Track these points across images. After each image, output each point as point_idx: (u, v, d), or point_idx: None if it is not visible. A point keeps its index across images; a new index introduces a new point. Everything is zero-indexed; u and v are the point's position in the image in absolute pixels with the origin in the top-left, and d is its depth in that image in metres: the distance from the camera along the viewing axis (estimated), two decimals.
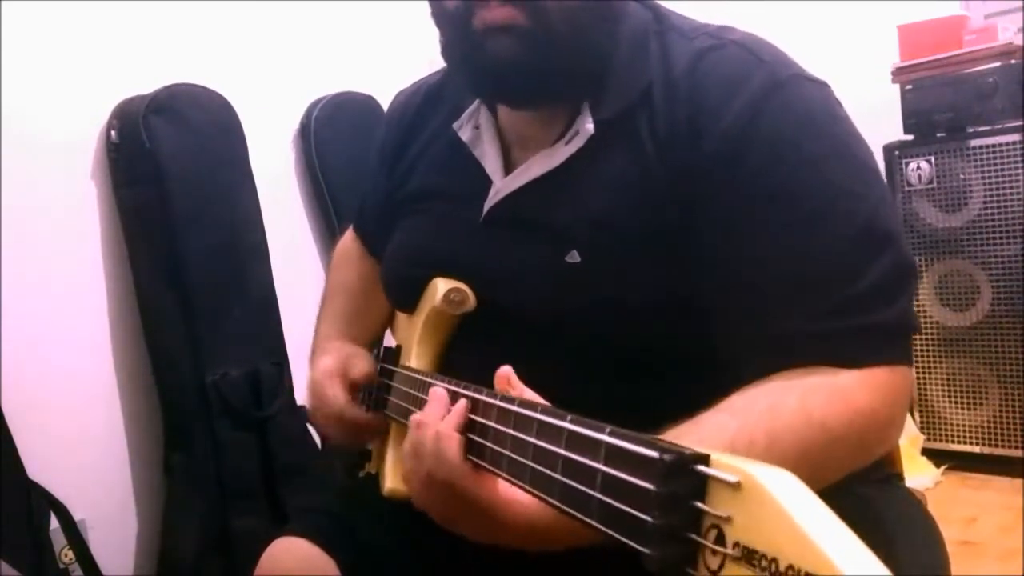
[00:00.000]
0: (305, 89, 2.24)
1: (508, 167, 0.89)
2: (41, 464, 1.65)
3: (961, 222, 2.44)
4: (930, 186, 2.48)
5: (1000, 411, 2.43)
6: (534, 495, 0.55)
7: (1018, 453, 2.39)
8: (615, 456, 0.45)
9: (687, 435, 0.62)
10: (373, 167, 1.08)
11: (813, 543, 0.30)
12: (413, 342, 0.93)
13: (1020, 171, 2.33)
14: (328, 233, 2.23)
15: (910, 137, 2.55)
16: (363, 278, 1.16)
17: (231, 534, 1.80)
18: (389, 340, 1.14)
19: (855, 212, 0.72)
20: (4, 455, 1.58)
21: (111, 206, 1.86)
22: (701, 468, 0.37)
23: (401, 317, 1.09)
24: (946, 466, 2.50)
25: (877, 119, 2.44)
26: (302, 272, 2.16)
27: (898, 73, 2.57)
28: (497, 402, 0.62)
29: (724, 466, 0.36)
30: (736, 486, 0.34)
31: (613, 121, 0.81)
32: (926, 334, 2.53)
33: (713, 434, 0.63)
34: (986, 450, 2.46)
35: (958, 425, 2.51)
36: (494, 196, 0.88)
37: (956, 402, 2.51)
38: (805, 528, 0.30)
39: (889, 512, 0.86)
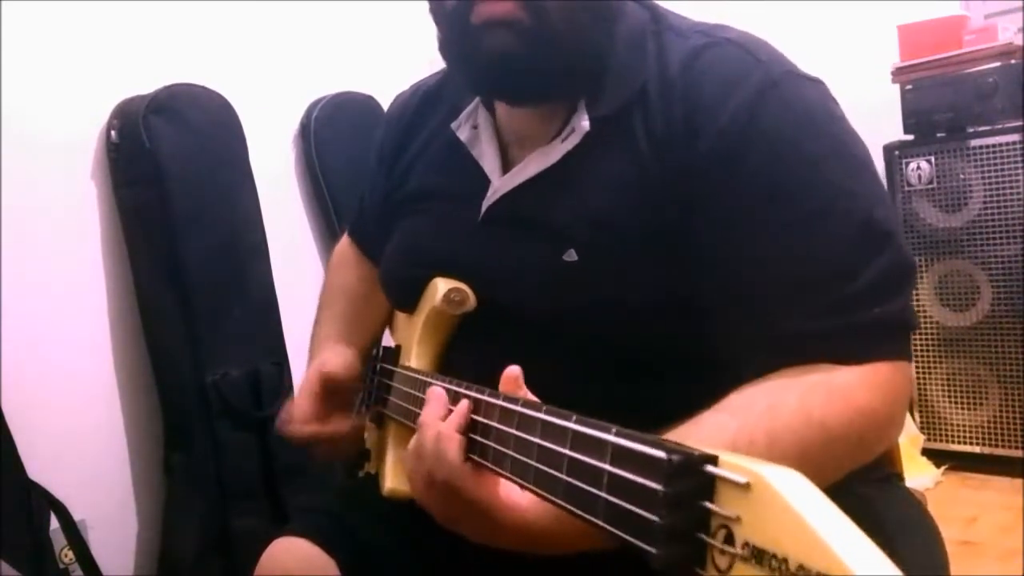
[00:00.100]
0: (305, 89, 2.24)
1: (506, 166, 0.90)
2: (41, 464, 1.65)
3: (961, 222, 2.44)
4: (930, 186, 2.48)
5: (1000, 411, 2.43)
6: (538, 495, 0.55)
7: (1018, 453, 2.40)
8: (622, 456, 0.45)
9: (687, 436, 0.62)
10: (372, 168, 1.08)
11: (824, 543, 0.30)
12: (413, 342, 0.93)
13: (1020, 171, 2.33)
14: (328, 233, 2.23)
15: (910, 137, 2.56)
16: (362, 280, 1.16)
17: (231, 534, 1.79)
18: (388, 340, 1.14)
19: (854, 211, 0.72)
20: (4, 455, 1.58)
21: (111, 206, 1.86)
22: (710, 468, 0.37)
23: (401, 317, 1.09)
24: (946, 466, 2.51)
25: (877, 119, 2.44)
26: (302, 272, 2.16)
27: (898, 73, 2.57)
28: (500, 402, 0.62)
29: (733, 466, 0.36)
30: (745, 487, 0.34)
31: (609, 119, 0.81)
32: (926, 334, 2.53)
33: (714, 434, 0.63)
34: (986, 450, 2.47)
35: (958, 425, 2.51)
36: (492, 195, 0.88)
37: (956, 402, 2.51)
38: (816, 528, 0.30)
39: (889, 512, 0.86)
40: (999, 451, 2.44)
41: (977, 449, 2.49)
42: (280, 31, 2.18)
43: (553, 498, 0.52)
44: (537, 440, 0.55)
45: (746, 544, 0.33)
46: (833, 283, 0.71)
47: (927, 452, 2.54)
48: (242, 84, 2.04)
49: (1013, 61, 2.41)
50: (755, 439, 0.62)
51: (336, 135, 2.22)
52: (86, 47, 1.83)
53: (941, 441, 2.55)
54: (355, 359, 1.07)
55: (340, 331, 1.12)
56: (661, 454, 0.40)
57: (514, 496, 0.63)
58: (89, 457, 1.79)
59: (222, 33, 2.06)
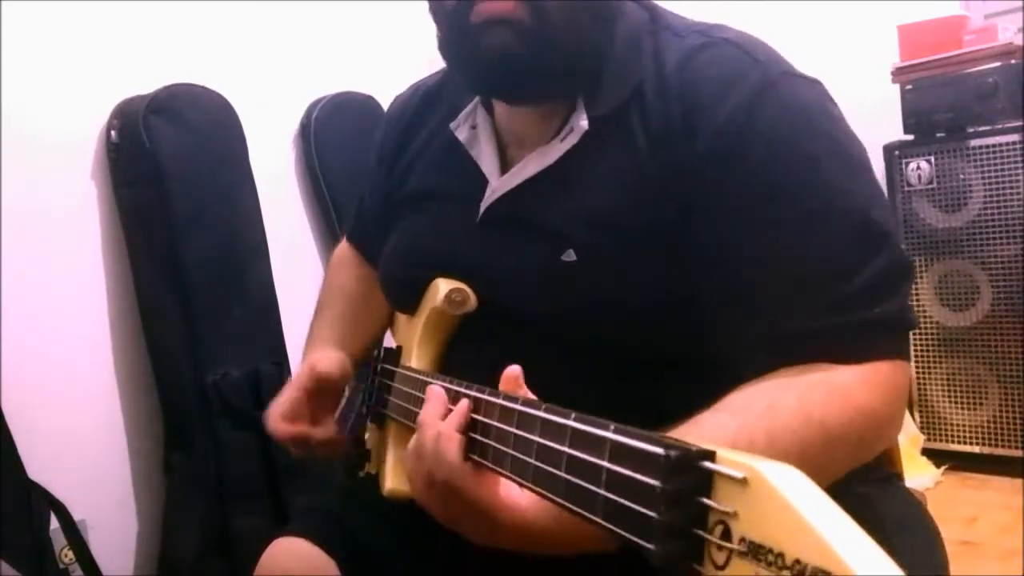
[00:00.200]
0: (305, 89, 2.24)
1: (505, 167, 0.90)
2: (41, 464, 1.65)
3: (961, 222, 2.44)
4: (930, 186, 2.48)
5: (1000, 411, 2.43)
6: (538, 493, 0.55)
7: (1018, 453, 2.40)
8: (620, 453, 0.45)
9: (686, 435, 0.62)
10: (371, 169, 1.08)
11: (821, 538, 0.30)
12: (414, 343, 0.93)
13: (1020, 171, 2.33)
14: (328, 233, 2.23)
15: (910, 137, 2.56)
16: (361, 281, 1.16)
17: (231, 534, 1.79)
18: (389, 341, 1.14)
19: (852, 210, 0.72)
20: (4, 455, 1.58)
21: (111, 206, 1.86)
22: (707, 464, 0.37)
23: (401, 318, 1.09)
24: (946, 466, 2.51)
25: (877, 119, 2.45)
26: (302, 272, 2.16)
27: (898, 73, 2.57)
28: (500, 401, 0.62)
29: (730, 462, 0.36)
30: (743, 482, 0.34)
31: (608, 118, 0.81)
32: (926, 334, 2.53)
33: (713, 434, 0.63)
34: (986, 450, 2.47)
35: (958, 425, 2.51)
36: (491, 195, 0.88)
37: (956, 402, 2.51)
38: (813, 523, 0.30)
39: (889, 512, 0.86)
40: (999, 451, 2.44)
41: (977, 449, 2.48)
42: (280, 31, 2.18)
43: (553, 496, 0.52)
44: (537, 438, 0.55)
45: (743, 539, 0.33)
46: (833, 282, 0.71)
47: (927, 452, 2.54)
48: (242, 84, 2.04)
49: (1013, 61, 2.41)
50: (755, 439, 0.62)
51: (336, 135, 2.22)
52: (86, 47, 1.83)
53: (941, 441, 2.55)
54: (348, 363, 1.07)
55: (337, 332, 1.12)
56: (659, 450, 0.40)
57: (514, 496, 0.63)
58: (89, 457, 1.79)
59: (222, 33, 2.06)
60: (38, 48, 1.75)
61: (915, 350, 2.55)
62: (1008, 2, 2.63)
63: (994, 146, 2.38)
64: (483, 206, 0.88)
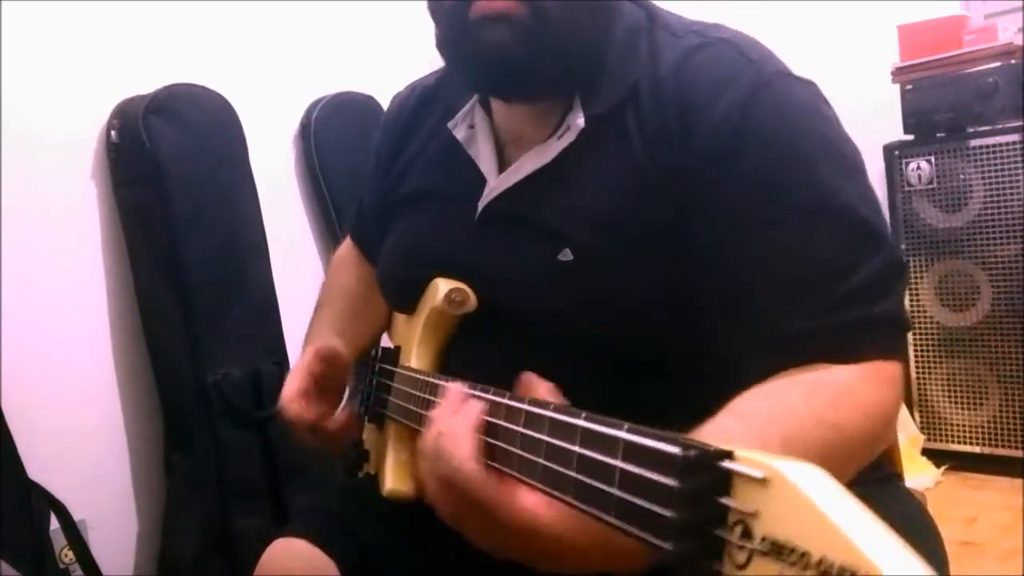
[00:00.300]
0: (305, 89, 2.24)
1: (502, 166, 0.89)
2: (41, 464, 1.65)
3: (961, 222, 2.44)
4: (930, 186, 2.48)
5: (1000, 411, 2.43)
6: (546, 492, 0.54)
7: (1018, 453, 2.40)
8: (634, 453, 0.44)
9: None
10: (370, 169, 1.08)
11: (846, 536, 0.29)
12: (413, 343, 0.93)
13: (1020, 171, 2.34)
14: (328, 233, 2.22)
15: (910, 137, 2.56)
16: (362, 281, 1.16)
17: (231, 534, 1.79)
18: (385, 342, 1.14)
19: (847, 210, 0.72)
20: (4, 455, 1.57)
21: (111, 206, 1.85)
22: (726, 464, 0.37)
23: (399, 318, 1.09)
24: (946, 466, 2.51)
25: (877, 119, 2.45)
26: (302, 272, 2.16)
27: (898, 73, 2.57)
28: (506, 400, 0.61)
29: (750, 461, 0.36)
30: (763, 481, 0.34)
31: (604, 116, 0.81)
32: (926, 334, 2.53)
33: (723, 439, 0.62)
34: (986, 450, 2.47)
35: (958, 425, 2.51)
36: (488, 194, 0.88)
37: (956, 402, 2.51)
38: (838, 522, 0.30)
39: (889, 512, 0.86)
40: (999, 451, 2.44)
41: (977, 449, 2.49)
42: (280, 31, 2.18)
43: (562, 495, 0.52)
44: (545, 438, 0.55)
45: (764, 538, 0.33)
46: (832, 282, 0.71)
47: (927, 452, 2.54)
48: (242, 84, 2.03)
49: (1013, 61, 2.41)
50: (768, 443, 0.62)
51: (336, 135, 2.21)
52: (86, 47, 1.82)
53: (941, 441, 2.55)
54: (348, 353, 1.06)
55: (336, 330, 1.12)
56: (676, 450, 0.40)
57: (527, 501, 0.61)
58: (89, 457, 1.78)
59: (222, 33, 2.06)
60: (38, 48, 1.75)
61: (915, 350, 2.55)
62: (1008, 2, 2.63)
63: (994, 146, 2.38)
64: (481, 204, 0.88)
